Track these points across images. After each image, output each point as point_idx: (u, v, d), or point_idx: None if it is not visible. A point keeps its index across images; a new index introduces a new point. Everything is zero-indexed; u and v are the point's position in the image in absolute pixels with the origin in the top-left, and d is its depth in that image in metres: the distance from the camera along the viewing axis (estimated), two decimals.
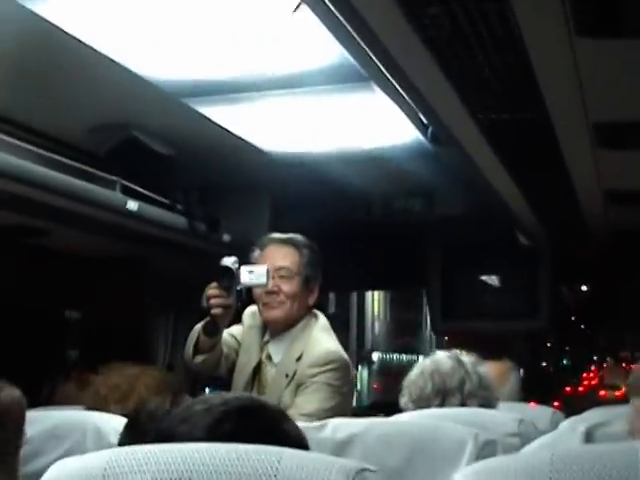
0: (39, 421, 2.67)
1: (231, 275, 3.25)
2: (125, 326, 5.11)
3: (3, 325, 4.63)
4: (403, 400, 2.96)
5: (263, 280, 3.27)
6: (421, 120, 3.56)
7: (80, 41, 2.92)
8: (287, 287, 3.39)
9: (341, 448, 2.18)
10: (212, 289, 3.26)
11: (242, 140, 4.13)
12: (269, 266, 3.33)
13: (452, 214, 5.49)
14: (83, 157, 3.89)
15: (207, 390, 5.17)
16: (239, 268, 3.27)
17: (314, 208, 5.29)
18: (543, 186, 4.48)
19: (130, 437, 2.08)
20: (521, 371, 4.24)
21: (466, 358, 3.04)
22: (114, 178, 3.94)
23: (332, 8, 2.26)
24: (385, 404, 6.05)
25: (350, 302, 18.99)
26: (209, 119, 3.81)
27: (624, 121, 3.39)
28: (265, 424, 1.51)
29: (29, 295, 4.77)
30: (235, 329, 3.56)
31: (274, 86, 3.44)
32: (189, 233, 4.49)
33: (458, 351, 3.14)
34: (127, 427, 2.18)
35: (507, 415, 2.78)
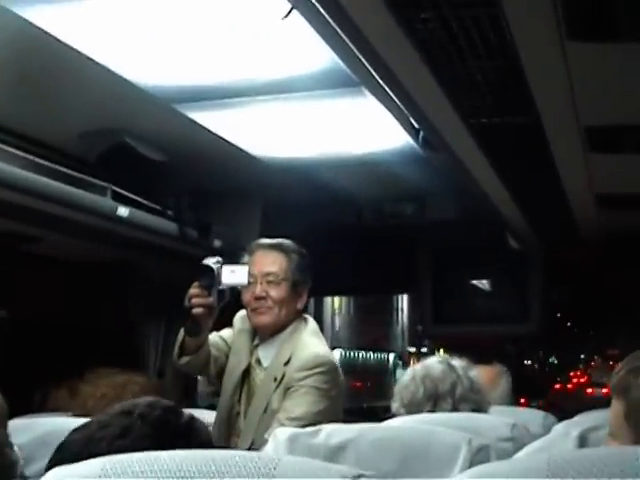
0: (30, 428, 2.66)
1: (211, 274, 3.25)
2: (115, 332, 5.10)
3: None
4: (395, 405, 2.96)
5: (244, 280, 3.27)
6: (412, 125, 3.57)
7: (70, 47, 2.92)
8: (275, 293, 3.38)
9: (334, 454, 2.18)
10: (193, 288, 3.26)
11: (233, 146, 4.13)
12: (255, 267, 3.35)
13: (443, 218, 5.50)
14: (73, 163, 3.89)
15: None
16: (221, 267, 3.27)
17: (305, 213, 5.29)
18: (534, 190, 4.48)
19: None
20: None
21: (457, 362, 3.03)
22: (104, 184, 3.93)
23: (323, 13, 2.27)
24: (349, 411, 5.96)
25: None
26: (200, 125, 3.81)
27: (615, 125, 3.40)
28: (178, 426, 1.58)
29: (21, 303, 4.76)
30: (225, 332, 3.56)
31: (265, 91, 3.44)
32: (180, 239, 4.49)
33: (448, 355, 3.14)
34: None
35: (500, 419, 2.77)
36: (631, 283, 6.16)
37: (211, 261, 3.28)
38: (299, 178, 4.62)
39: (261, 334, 3.46)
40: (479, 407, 2.97)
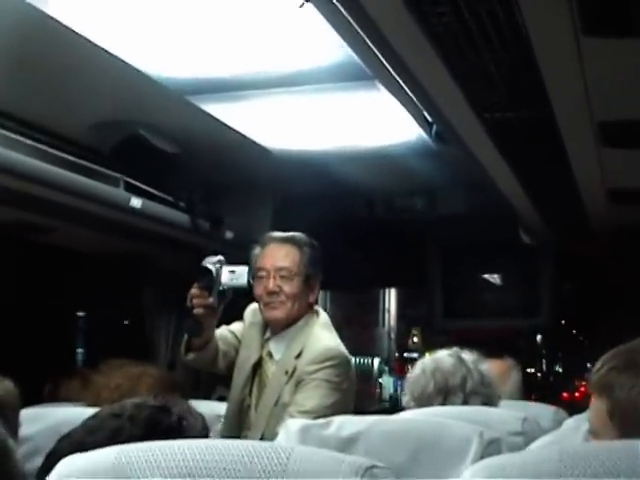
0: (41, 418, 2.67)
1: (210, 276, 3.25)
2: (126, 324, 5.13)
3: (8, 322, 4.65)
4: (405, 399, 2.96)
5: (243, 281, 3.28)
6: (425, 118, 3.56)
7: (84, 38, 2.92)
8: (288, 287, 3.37)
9: (345, 445, 2.18)
10: (193, 289, 3.27)
11: (246, 138, 4.13)
12: (269, 265, 3.35)
13: (454, 212, 5.49)
14: (86, 154, 3.89)
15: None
16: (221, 268, 3.27)
17: (316, 206, 5.29)
18: (546, 184, 4.47)
19: None
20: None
21: (467, 356, 3.02)
22: (118, 175, 3.94)
23: (338, 5, 2.26)
24: None
25: None
26: (213, 117, 3.81)
27: (629, 120, 3.39)
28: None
29: (34, 293, 4.79)
30: (235, 326, 3.56)
31: (278, 84, 3.44)
32: (192, 231, 4.50)
33: (458, 349, 3.13)
34: None
35: (510, 413, 2.76)
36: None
37: (212, 260, 3.28)
38: (311, 171, 4.62)
39: (272, 327, 3.46)
40: (489, 401, 2.96)
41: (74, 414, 2.70)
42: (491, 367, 3.26)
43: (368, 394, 8.92)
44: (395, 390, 10.05)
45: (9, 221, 3.95)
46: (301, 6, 2.47)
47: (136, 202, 3.97)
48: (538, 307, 6.69)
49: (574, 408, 3.77)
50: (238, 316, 3.57)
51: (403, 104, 3.42)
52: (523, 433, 2.57)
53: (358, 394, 3.52)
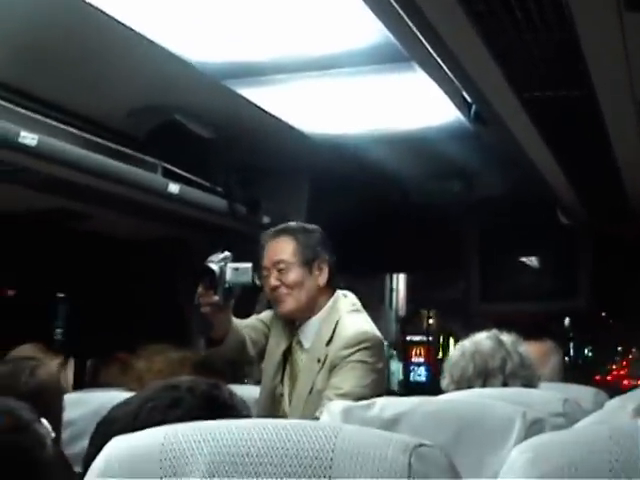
0: (83, 403, 2.69)
1: (212, 275, 3.28)
2: (163, 308, 5.14)
3: (45, 308, 4.69)
4: (444, 382, 2.95)
5: (247, 278, 3.32)
6: (464, 99, 3.54)
7: (120, 23, 2.93)
8: (287, 279, 3.38)
9: (389, 426, 2.18)
10: (199, 288, 3.30)
11: (282, 122, 4.13)
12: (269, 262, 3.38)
13: (491, 195, 5.47)
14: (123, 140, 3.91)
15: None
16: (226, 265, 3.30)
17: (352, 190, 5.29)
18: (586, 165, 4.43)
19: None
20: None
21: (506, 338, 3.01)
22: (155, 161, 3.96)
23: None
24: None
25: None
26: (249, 101, 3.81)
27: None
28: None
29: (70, 279, 4.82)
30: (264, 315, 3.58)
31: (314, 67, 3.44)
32: (229, 215, 4.51)
33: (497, 331, 3.12)
34: None
35: (551, 394, 2.75)
36: None
37: (217, 258, 3.31)
38: (347, 155, 4.61)
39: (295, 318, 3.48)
40: (529, 383, 2.95)
41: (115, 398, 2.72)
42: (531, 349, 3.24)
43: None
44: (406, 377, 9.91)
45: (48, 208, 3.98)
46: None
47: (174, 188, 3.99)
48: (576, 290, 6.66)
49: (607, 391, 3.75)
50: None
51: (441, 85, 3.41)
52: (565, 414, 2.56)
53: None
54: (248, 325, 3.53)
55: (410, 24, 2.47)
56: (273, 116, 4.05)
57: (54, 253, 4.58)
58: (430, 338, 9.85)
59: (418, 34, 2.56)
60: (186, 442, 1.34)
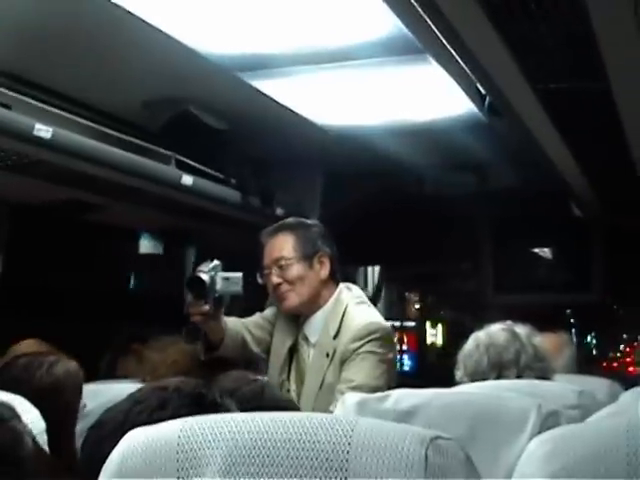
0: (99, 394, 2.70)
1: (201, 284, 3.28)
2: (174, 299, 5.15)
3: (62, 299, 4.70)
4: (458, 374, 2.95)
5: (238, 288, 3.34)
6: (478, 91, 3.53)
7: (133, 15, 2.93)
8: (289, 275, 3.39)
9: (403, 418, 2.18)
10: (189, 297, 3.32)
11: (295, 114, 4.13)
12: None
13: (504, 187, 5.46)
14: (137, 132, 3.92)
15: None
16: (216, 274, 3.31)
17: (366, 182, 5.30)
18: (600, 157, 4.42)
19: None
20: None
21: (521, 330, 3.01)
22: (169, 153, 3.96)
23: None
24: None
25: None
26: (263, 93, 3.81)
27: None
28: None
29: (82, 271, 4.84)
30: (268, 312, 3.59)
31: (328, 59, 3.43)
32: (243, 207, 4.51)
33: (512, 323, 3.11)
34: None
35: (566, 386, 2.75)
36: None
37: (207, 267, 3.32)
38: (360, 147, 4.61)
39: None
40: (544, 375, 2.95)
41: (129, 390, 2.74)
42: (545, 341, 3.24)
43: None
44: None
45: (62, 200, 3.99)
46: None
47: (187, 179, 3.99)
48: (589, 282, 6.64)
49: (613, 377, 3.75)
50: None
51: (455, 77, 3.40)
52: (579, 406, 2.56)
53: None
54: (251, 323, 3.54)
55: (424, 16, 2.46)
56: (287, 108, 4.05)
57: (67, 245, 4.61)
58: (411, 323, 9.47)
59: (432, 26, 2.54)
60: (202, 435, 1.34)
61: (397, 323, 9.31)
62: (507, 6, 2.40)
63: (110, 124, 3.77)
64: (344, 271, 3.71)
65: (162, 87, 3.81)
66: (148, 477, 1.33)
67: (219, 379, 2.11)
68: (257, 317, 3.58)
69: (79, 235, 4.71)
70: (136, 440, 1.40)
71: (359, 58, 3.40)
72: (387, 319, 3.73)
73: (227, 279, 3.32)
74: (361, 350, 3.28)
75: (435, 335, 9.18)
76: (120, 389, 2.74)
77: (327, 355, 3.34)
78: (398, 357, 9.16)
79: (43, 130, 3.08)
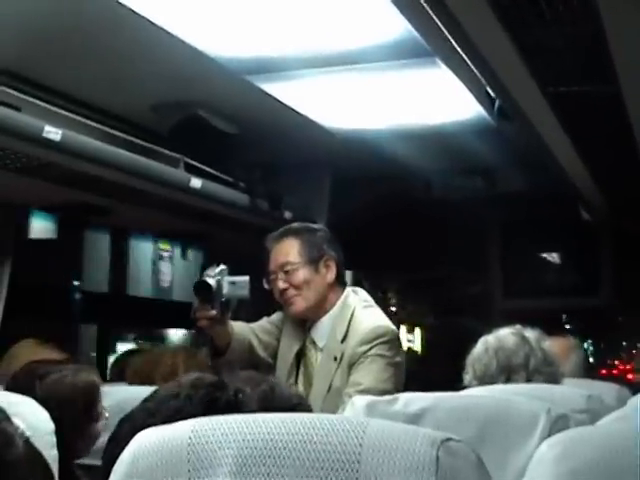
0: (107, 396, 2.71)
1: (207, 289, 3.28)
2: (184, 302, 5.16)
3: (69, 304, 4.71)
4: (467, 377, 2.95)
5: (245, 292, 3.34)
6: (487, 95, 3.54)
7: (144, 18, 2.93)
8: (295, 280, 3.39)
9: (413, 421, 2.18)
10: (195, 302, 3.33)
11: (304, 117, 4.14)
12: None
13: (513, 191, 5.46)
14: (146, 135, 3.93)
15: None
16: (222, 279, 3.32)
17: (374, 185, 5.30)
18: (610, 161, 4.42)
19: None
20: None
21: (530, 334, 3.01)
22: (177, 156, 3.97)
23: None
24: None
25: None
26: (272, 96, 3.81)
27: None
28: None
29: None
30: (275, 317, 3.59)
31: (336, 62, 3.44)
32: (251, 210, 4.52)
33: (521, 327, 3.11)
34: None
35: (575, 391, 2.74)
36: None
37: (213, 272, 3.32)
38: (369, 150, 4.61)
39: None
40: (553, 379, 2.94)
41: (137, 392, 2.75)
42: (553, 345, 3.24)
43: None
44: None
45: (71, 203, 4.00)
46: None
47: (196, 182, 4.00)
48: (598, 287, 6.65)
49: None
50: None
51: (464, 80, 3.40)
52: (588, 410, 2.55)
53: None
54: (258, 327, 3.54)
55: (434, 18, 2.47)
56: (295, 111, 4.05)
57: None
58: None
59: (442, 28, 2.55)
60: (213, 436, 1.34)
61: None
62: (517, 9, 2.41)
63: (119, 126, 3.78)
64: None
65: (171, 90, 3.82)
66: (159, 477, 1.34)
67: (227, 380, 2.11)
68: (264, 321, 3.58)
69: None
70: (147, 440, 1.40)
71: (368, 61, 3.40)
72: None
73: (234, 283, 3.32)
74: (369, 353, 3.28)
75: (412, 341, 9.09)
76: (125, 392, 2.76)
77: (335, 359, 3.35)
78: None
79: (52, 132, 3.09)
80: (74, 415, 2.40)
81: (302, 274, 3.39)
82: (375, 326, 3.34)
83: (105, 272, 5.08)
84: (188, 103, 3.95)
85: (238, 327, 3.48)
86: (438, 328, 6.42)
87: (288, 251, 3.41)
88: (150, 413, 1.63)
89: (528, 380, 2.87)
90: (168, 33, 3.07)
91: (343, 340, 3.34)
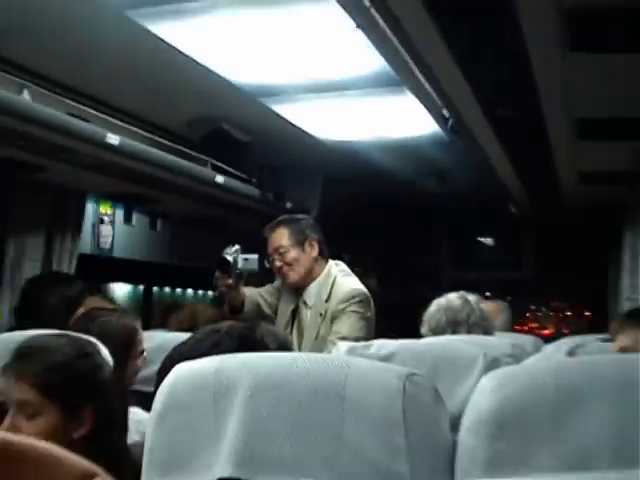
0: (151, 339, 2.70)
1: (227, 264, 3.32)
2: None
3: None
4: (423, 329, 2.95)
5: (254, 266, 3.39)
6: (443, 116, 3.53)
7: (183, 54, 2.92)
8: (287, 259, 3.40)
9: (384, 361, 2.17)
10: (217, 273, 3.37)
11: (303, 131, 4.12)
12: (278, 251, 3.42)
13: (460, 190, 5.46)
14: (182, 142, 3.91)
15: None
16: (237, 256, 3.35)
17: (355, 184, 5.29)
18: (533, 168, 4.42)
19: None
20: None
21: (471, 297, 3.01)
22: (206, 158, 3.96)
23: (383, 27, 2.23)
24: None
25: None
26: (279, 114, 3.80)
27: (597, 118, 3.32)
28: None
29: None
30: (276, 283, 3.62)
31: (328, 89, 3.42)
32: (261, 201, 4.51)
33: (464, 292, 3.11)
34: None
35: (503, 340, 2.74)
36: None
37: (231, 250, 3.34)
38: (352, 156, 4.59)
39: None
40: (487, 331, 2.95)
41: (174, 337, 2.74)
42: (487, 307, 3.24)
43: None
44: None
45: (125, 193, 4.00)
46: (355, 28, 2.45)
47: (219, 179, 3.99)
48: (521, 264, 6.67)
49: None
50: None
51: (425, 104, 3.39)
52: (513, 355, 2.54)
53: None
54: (264, 291, 3.58)
55: (404, 57, 2.46)
56: (296, 126, 4.04)
57: None
58: None
59: (410, 65, 2.54)
60: (232, 369, 1.34)
61: None
62: (470, 50, 2.40)
63: (162, 135, 3.77)
64: None
65: (202, 108, 3.80)
66: (191, 401, 1.34)
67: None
68: (268, 287, 3.61)
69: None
70: (182, 372, 1.39)
71: (352, 88, 3.39)
72: None
73: (246, 259, 3.34)
74: (346, 310, 3.30)
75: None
76: (164, 336, 2.75)
77: (320, 314, 3.35)
78: None
79: (113, 139, 3.08)
80: (115, 352, 2.37)
81: (292, 254, 3.39)
82: (351, 289, 3.35)
83: None
84: (214, 118, 3.94)
85: (249, 291, 3.49)
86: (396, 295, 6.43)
87: (280, 237, 3.42)
88: (198, 340, 1.63)
89: (469, 332, 2.87)
90: (200, 65, 3.06)
91: (327, 300, 3.35)
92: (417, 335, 2.86)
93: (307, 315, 3.43)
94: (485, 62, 2.51)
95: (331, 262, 3.48)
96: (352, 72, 3.16)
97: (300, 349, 3.38)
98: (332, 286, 3.37)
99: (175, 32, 2.73)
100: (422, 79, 2.72)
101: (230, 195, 4.23)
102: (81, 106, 3.15)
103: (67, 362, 1.71)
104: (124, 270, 4.75)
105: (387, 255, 6.79)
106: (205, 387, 1.33)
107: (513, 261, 6.72)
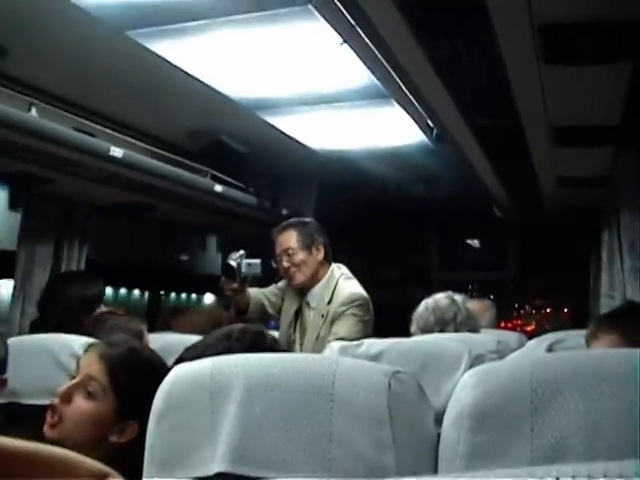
0: (155, 340, 2.70)
1: (231, 269, 3.33)
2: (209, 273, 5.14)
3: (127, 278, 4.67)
4: (413, 328, 2.95)
5: (258, 271, 3.37)
6: (428, 125, 3.53)
7: (182, 70, 2.92)
8: (295, 260, 3.39)
9: (373, 359, 2.18)
10: (222, 278, 3.38)
11: (297, 141, 4.12)
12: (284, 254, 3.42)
13: (447, 195, 5.46)
14: (183, 153, 3.91)
15: None
16: (241, 261, 3.35)
17: (347, 190, 5.29)
18: (514, 173, 4.43)
19: None
20: None
21: (458, 297, 3.01)
22: (205, 168, 3.96)
23: (368, 43, 2.24)
24: None
25: None
26: (274, 126, 3.80)
27: (575, 126, 3.33)
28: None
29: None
30: (281, 284, 3.60)
31: (320, 101, 3.42)
32: (258, 209, 4.51)
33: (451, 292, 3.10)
34: None
35: (488, 338, 2.75)
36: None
37: (235, 256, 3.34)
38: (344, 165, 4.60)
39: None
40: (473, 329, 2.95)
41: (178, 338, 2.74)
42: (474, 306, 3.24)
43: None
44: None
45: (128, 202, 3.99)
46: (341, 44, 2.45)
47: (218, 188, 3.99)
48: (506, 264, 6.67)
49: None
50: None
51: (411, 115, 3.39)
52: (498, 351, 2.56)
53: None
54: (268, 292, 3.56)
55: (390, 71, 2.46)
56: (291, 137, 4.04)
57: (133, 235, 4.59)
58: None
59: (396, 79, 2.55)
60: (228, 369, 1.34)
61: None
62: (450, 64, 2.40)
63: (164, 147, 3.77)
64: None
65: (201, 121, 3.80)
66: (189, 399, 1.34)
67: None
68: (272, 287, 3.59)
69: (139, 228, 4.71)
70: (181, 372, 1.40)
71: (343, 101, 3.39)
72: None
73: (250, 264, 3.34)
74: (346, 312, 3.29)
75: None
76: (167, 338, 2.75)
77: (322, 316, 3.35)
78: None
79: (116, 151, 3.08)
80: None
81: (300, 256, 3.37)
82: (352, 293, 3.34)
83: None
84: (213, 131, 3.94)
85: (254, 292, 3.48)
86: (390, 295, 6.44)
87: (289, 239, 3.40)
88: (209, 345, 1.61)
89: (456, 330, 2.87)
90: (200, 81, 3.06)
91: (329, 302, 3.34)
92: (408, 334, 2.87)
93: (310, 316, 3.43)
94: (465, 75, 2.52)
95: (334, 265, 3.47)
96: (343, 85, 3.17)
97: (302, 349, 3.37)
98: (334, 289, 3.37)
99: (174, 50, 2.74)
100: (407, 92, 2.72)
101: (228, 203, 4.23)
102: (86, 121, 3.14)
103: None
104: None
105: (380, 257, 6.78)
106: (202, 386, 1.33)
107: (498, 262, 6.72)
